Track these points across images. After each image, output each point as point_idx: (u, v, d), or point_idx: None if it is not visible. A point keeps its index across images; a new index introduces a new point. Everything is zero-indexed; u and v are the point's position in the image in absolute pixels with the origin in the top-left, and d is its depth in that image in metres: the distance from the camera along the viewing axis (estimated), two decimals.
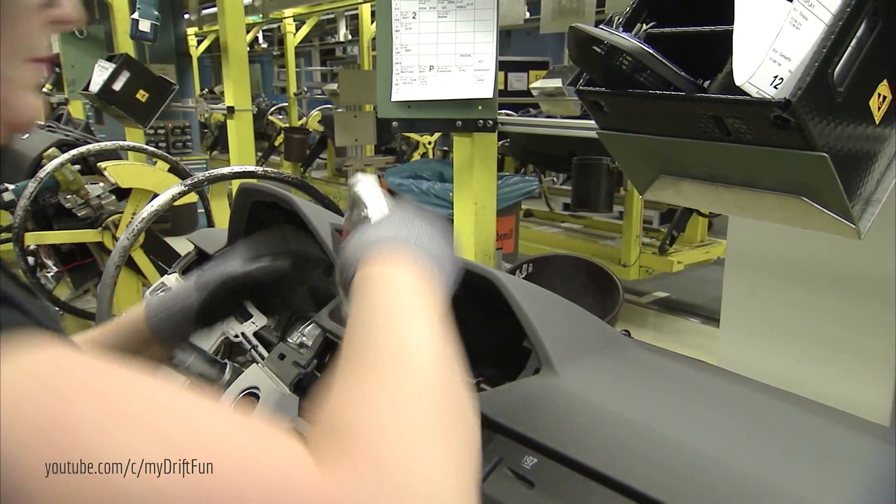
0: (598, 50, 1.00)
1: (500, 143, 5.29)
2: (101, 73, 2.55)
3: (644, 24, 1.02)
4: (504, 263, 2.76)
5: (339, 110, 5.51)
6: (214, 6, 6.67)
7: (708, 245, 4.82)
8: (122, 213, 2.32)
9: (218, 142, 10.00)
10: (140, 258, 2.23)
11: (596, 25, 3.34)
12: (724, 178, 1.03)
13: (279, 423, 0.41)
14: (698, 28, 0.97)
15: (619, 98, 1.04)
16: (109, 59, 2.64)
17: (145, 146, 2.49)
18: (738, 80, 0.83)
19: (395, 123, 1.65)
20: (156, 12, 2.33)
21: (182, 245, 2.61)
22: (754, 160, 0.93)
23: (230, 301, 0.88)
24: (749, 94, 0.84)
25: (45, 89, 4.90)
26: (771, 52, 0.83)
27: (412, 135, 6.89)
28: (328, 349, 1.01)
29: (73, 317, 2.57)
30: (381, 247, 0.55)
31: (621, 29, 1.00)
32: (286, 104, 8.49)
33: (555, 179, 6.48)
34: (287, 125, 8.26)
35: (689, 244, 4.75)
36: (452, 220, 4.22)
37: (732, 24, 0.87)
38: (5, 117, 0.52)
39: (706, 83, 0.99)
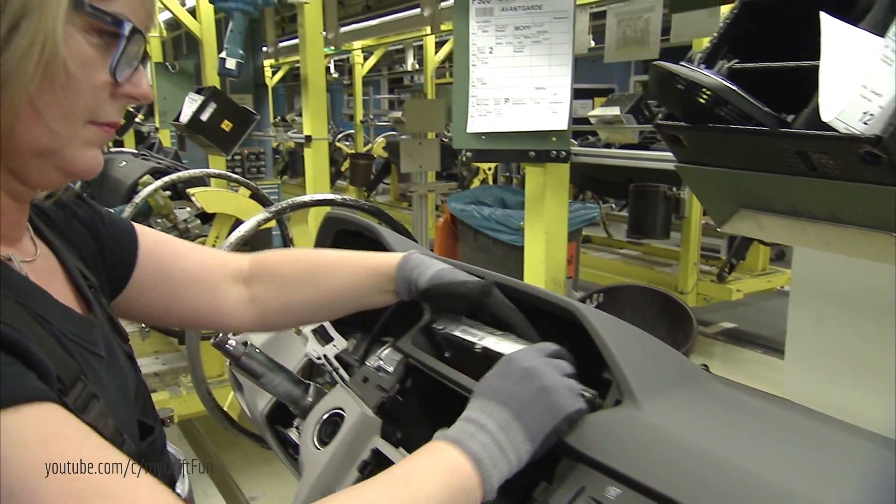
0: (679, 86, 1.00)
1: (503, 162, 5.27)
2: (190, 104, 2.69)
3: (727, 61, 1.02)
4: (573, 291, 2.74)
5: (404, 137, 5.61)
6: (290, 39, 6.94)
7: (770, 274, 4.70)
8: (206, 236, 2.42)
9: (288, 167, 10.33)
10: None
11: (661, 54, 3.36)
12: (809, 212, 1.01)
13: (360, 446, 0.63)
14: (781, 64, 0.96)
15: (700, 132, 1.04)
16: (198, 92, 2.79)
17: (230, 174, 2.60)
18: (826, 116, 0.82)
19: (468, 154, 1.68)
20: (241, 51, 2.45)
21: None
22: (841, 195, 0.91)
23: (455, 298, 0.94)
24: (836, 130, 0.82)
25: (137, 119, 5.20)
26: (861, 88, 0.82)
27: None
28: (409, 374, 1.02)
29: (158, 333, 2.69)
30: (463, 426, 0.68)
31: (703, 66, 1.00)
32: (353, 131, 8.70)
33: (613, 206, 6.40)
34: (353, 151, 8.46)
35: (749, 272, 4.64)
36: (515, 245, 4.24)
37: (816, 59, 0.86)
38: (59, 166, 0.59)
39: (789, 117, 0.97)
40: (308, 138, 2.55)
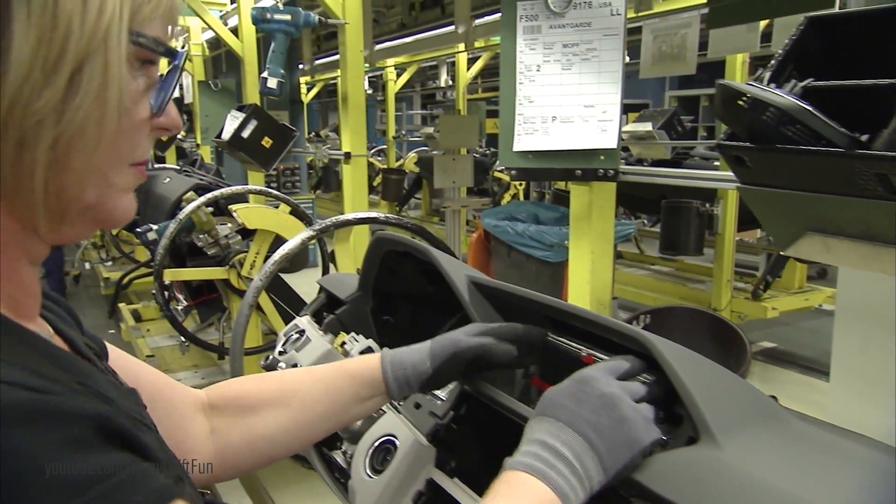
0: (742, 103, 0.96)
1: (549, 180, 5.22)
2: (232, 121, 2.71)
3: (797, 79, 0.97)
4: (618, 312, 2.68)
5: (436, 153, 5.61)
6: (325, 57, 7.01)
7: (807, 292, 4.55)
8: (246, 252, 2.42)
9: (321, 182, 10.42)
10: (261, 296, 2.32)
11: (697, 70, 3.23)
12: (885, 237, 0.95)
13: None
14: (860, 82, 0.91)
15: (766, 153, 0.99)
16: (240, 109, 2.81)
17: (271, 190, 2.60)
18: None
19: (513, 172, 1.64)
20: (282, 71, 2.46)
21: (292, 280, 2.69)
22: None
23: (458, 370, 0.87)
24: None
25: (179, 135, 5.28)
26: None
27: (503, 175, 6.91)
28: (463, 401, 0.99)
29: (197, 347, 2.69)
30: (539, 451, 0.64)
31: (774, 85, 0.95)
32: (385, 146, 8.74)
33: (645, 222, 6.32)
34: (385, 166, 8.48)
35: (786, 290, 4.51)
36: (549, 262, 4.18)
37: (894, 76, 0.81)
38: (100, 219, 0.51)
39: (864, 137, 0.92)
40: (347, 155, 2.54)
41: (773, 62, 1.05)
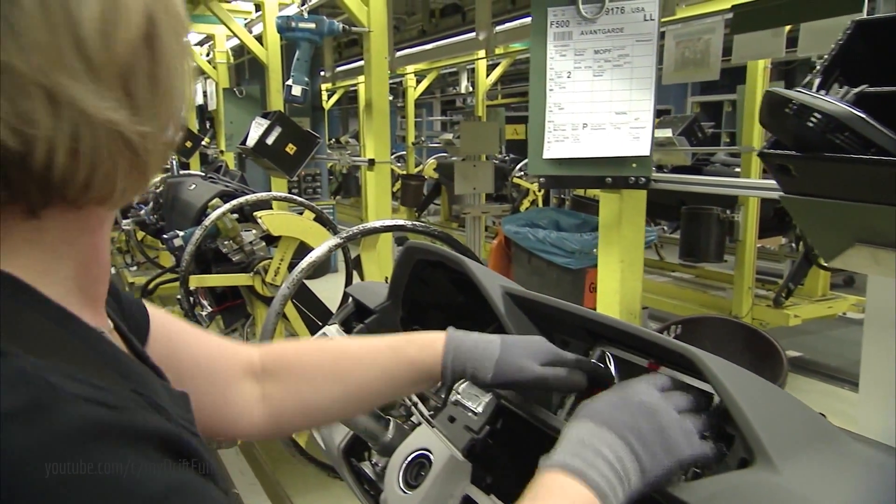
0: (789, 111, 0.92)
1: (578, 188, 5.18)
2: (257, 128, 2.71)
3: (847, 86, 0.93)
4: (648, 321, 2.63)
5: (457, 159, 5.59)
6: (346, 64, 7.03)
7: (831, 299, 4.47)
8: (271, 258, 2.42)
9: (341, 187, 10.45)
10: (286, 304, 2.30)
11: (721, 75, 3.16)
12: None
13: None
14: None
15: (813, 161, 0.95)
16: (264, 116, 2.81)
17: (295, 197, 2.60)
18: None
19: (541, 179, 1.61)
20: (306, 78, 2.45)
21: (314, 285, 2.67)
22: None
23: (516, 389, 0.88)
24: None
25: (203, 142, 5.32)
26: None
27: (522, 182, 6.87)
28: (500, 415, 0.95)
29: None
30: (578, 449, 0.61)
31: (823, 92, 0.91)
32: (404, 152, 8.74)
33: (665, 228, 6.24)
34: (404, 172, 8.48)
35: (808, 297, 4.43)
36: (570, 268, 4.13)
37: None
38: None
39: None
40: (371, 161, 2.53)
41: (818, 68, 1.01)
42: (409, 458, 0.97)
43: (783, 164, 1.00)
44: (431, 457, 0.94)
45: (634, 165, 1.51)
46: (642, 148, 1.47)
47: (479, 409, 1.00)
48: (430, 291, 1.31)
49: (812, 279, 4.44)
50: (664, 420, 0.65)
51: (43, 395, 0.35)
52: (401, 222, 1.63)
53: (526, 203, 6.89)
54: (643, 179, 1.52)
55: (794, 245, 5.38)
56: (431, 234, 1.69)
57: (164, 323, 0.68)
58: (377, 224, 1.61)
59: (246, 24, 4.18)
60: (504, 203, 6.73)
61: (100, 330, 0.47)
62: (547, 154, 1.55)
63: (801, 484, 0.65)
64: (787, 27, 4.24)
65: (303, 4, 3.43)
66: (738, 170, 4.81)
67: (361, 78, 8.22)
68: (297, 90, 2.36)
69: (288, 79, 2.48)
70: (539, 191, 6.89)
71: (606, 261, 1.68)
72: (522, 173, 6.83)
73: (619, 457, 0.61)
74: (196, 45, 5.55)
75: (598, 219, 5.25)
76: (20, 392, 0.34)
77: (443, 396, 1.22)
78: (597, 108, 1.49)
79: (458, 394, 1.19)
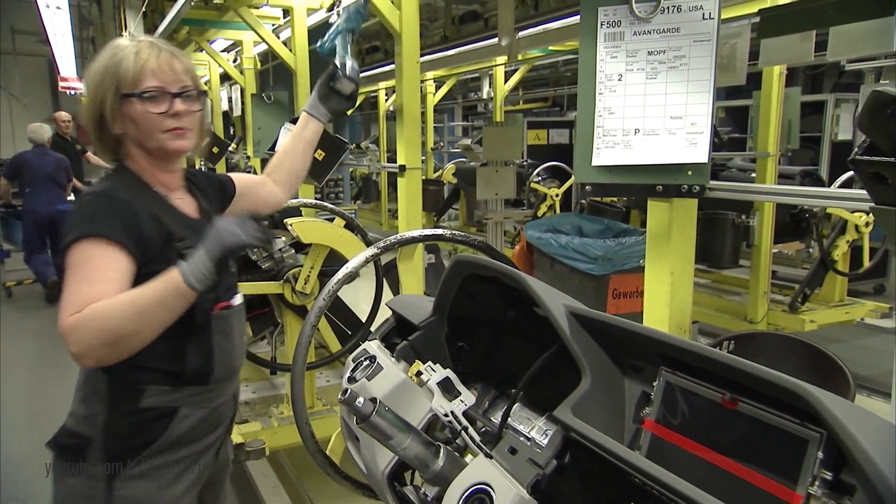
0: (891, 112, 0.81)
1: (627, 196, 5.10)
2: (285, 135, 2.62)
3: None
4: (699, 336, 2.51)
5: (478, 165, 5.48)
6: (369, 70, 6.95)
7: (848, 305, 4.37)
8: (300, 266, 2.33)
9: (361, 192, 10.38)
10: None
11: (747, 80, 2.97)
12: None
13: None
14: None
15: None
16: (293, 122, 2.71)
17: (326, 203, 2.51)
18: None
19: (588, 187, 1.50)
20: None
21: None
22: None
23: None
24: None
25: (230, 148, 5.26)
26: None
27: (540, 187, 6.76)
28: (567, 448, 0.85)
29: (248, 362, 2.60)
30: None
31: None
32: (423, 157, 8.64)
33: None
34: (423, 177, 8.38)
35: (825, 303, 4.35)
36: (593, 275, 4.01)
37: None
38: (156, 150, 1.32)
39: None
40: (402, 168, 2.43)
41: None
42: (468, 493, 0.87)
43: (879, 171, 0.89)
44: (493, 493, 0.84)
45: (690, 173, 1.40)
46: (699, 155, 1.37)
47: (545, 442, 0.90)
48: (477, 306, 1.22)
49: (829, 285, 4.36)
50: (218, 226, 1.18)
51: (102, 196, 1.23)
52: (440, 231, 1.53)
53: (543, 208, 6.77)
54: (697, 188, 1.41)
55: (810, 250, 5.27)
56: (471, 244, 1.59)
57: (240, 178, 1.56)
58: (416, 234, 1.52)
59: (274, 30, 4.11)
60: (520, 208, 6.62)
61: (163, 193, 1.32)
62: (596, 161, 1.44)
63: None
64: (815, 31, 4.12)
65: (331, 10, 3.34)
66: (753, 175, 4.69)
67: (382, 84, 8.17)
68: (349, 67, 2.10)
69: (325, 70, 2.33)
70: (556, 196, 6.77)
71: (655, 273, 1.57)
72: (540, 178, 6.71)
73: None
74: (223, 51, 5.50)
75: (623, 225, 5.12)
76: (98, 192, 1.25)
77: (493, 420, 1.12)
78: (650, 112, 1.38)
79: (512, 418, 1.09)
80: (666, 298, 1.54)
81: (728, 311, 4.36)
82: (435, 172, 8.47)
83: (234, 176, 1.55)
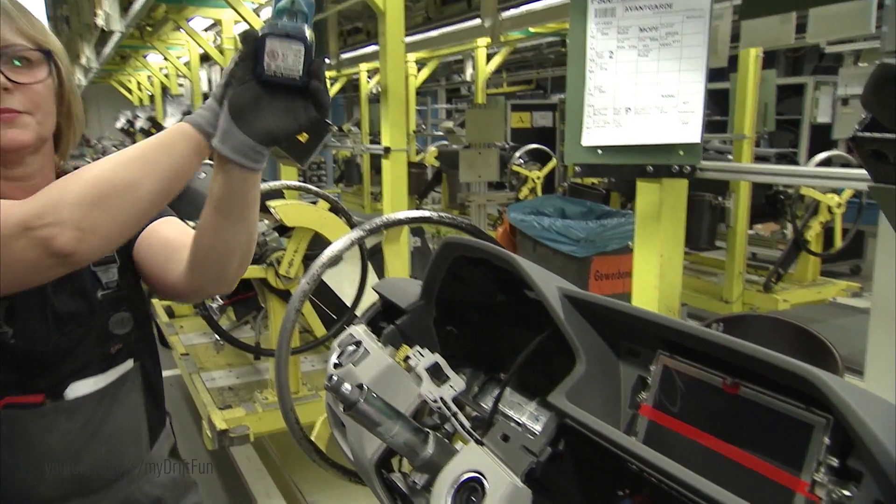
0: None
1: (607, 178, 5.10)
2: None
3: None
4: (687, 318, 2.50)
5: (461, 148, 5.43)
6: (351, 51, 6.83)
7: (821, 285, 4.49)
8: (284, 250, 2.27)
9: (343, 175, 10.27)
10: None
11: (729, 62, 2.95)
12: None
13: None
14: None
15: None
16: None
17: (310, 186, 2.45)
18: None
19: (577, 168, 1.47)
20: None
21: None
22: None
23: None
24: None
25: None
26: None
27: (521, 169, 6.73)
28: (561, 435, 0.82)
29: (232, 347, 2.55)
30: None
31: None
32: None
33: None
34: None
35: (798, 283, 4.47)
36: (575, 257, 3.99)
37: None
38: None
39: None
40: (387, 150, 2.37)
41: None
42: (460, 482, 0.83)
43: (880, 149, 0.86)
44: (485, 482, 0.81)
45: (682, 153, 1.37)
46: (692, 134, 1.33)
47: (538, 428, 0.87)
48: (466, 290, 1.18)
49: (802, 265, 4.46)
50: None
51: None
52: (427, 214, 1.49)
53: (525, 191, 6.74)
54: (689, 168, 1.38)
55: (785, 232, 5.32)
56: (458, 227, 1.55)
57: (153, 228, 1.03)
58: (401, 216, 1.47)
59: (255, 10, 4.00)
60: (503, 191, 6.59)
61: None
62: (586, 141, 1.40)
63: None
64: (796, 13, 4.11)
65: None
66: (730, 157, 4.71)
67: (364, 65, 8.04)
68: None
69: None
70: (538, 179, 6.75)
71: (644, 255, 1.54)
72: (522, 161, 6.68)
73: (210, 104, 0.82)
74: (204, 30, 5.35)
75: (605, 207, 5.08)
76: None
77: (483, 405, 1.09)
78: (641, 90, 1.34)
79: (503, 404, 1.06)
80: (655, 281, 1.51)
81: (704, 292, 4.43)
82: (417, 155, 8.39)
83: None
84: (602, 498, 0.84)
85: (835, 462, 0.63)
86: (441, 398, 1.04)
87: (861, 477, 0.61)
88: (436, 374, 1.07)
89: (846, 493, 0.62)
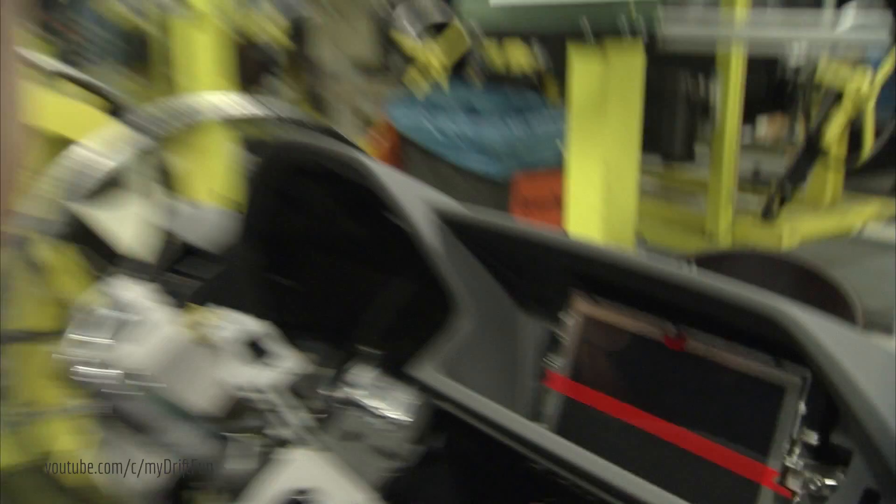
0: None
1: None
2: None
3: None
4: (644, 254, 2.56)
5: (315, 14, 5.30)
6: None
7: (844, 209, 4.52)
8: None
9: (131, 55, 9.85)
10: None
11: None
12: None
13: None
14: None
15: None
16: None
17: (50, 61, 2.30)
18: None
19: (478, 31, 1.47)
20: None
21: None
22: None
23: None
24: None
25: None
26: None
27: (410, 41, 6.59)
28: (438, 428, 0.84)
29: None
30: None
31: None
32: None
33: None
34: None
35: (812, 207, 4.48)
36: (493, 180, 4.03)
37: None
38: None
39: None
40: (194, 12, 2.30)
41: None
42: None
43: None
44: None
45: (634, 13, 1.39)
46: None
47: (399, 419, 0.89)
48: (304, 220, 1.18)
49: (818, 182, 4.45)
50: None
51: None
52: (253, 107, 1.45)
53: (418, 78, 6.57)
54: (643, 29, 1.41)
55: (793, 130, 5.25)
56: (308, 128, 1.54)
57: None
58: (212, 107, 1.43)
59: None
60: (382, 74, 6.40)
61: None
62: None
63: None
64: None
65: None
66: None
67: None
68: None
69: None
70: (439, 61, 6.67)
71: (581, 164, 1.57)
72: (409, 28, 6.45)
73: None
74: None
75: (531, 96, 5.07)
76: None
77: (334, 395, 1.10)
78: None
79: (354, 386, 1.08)
80: (596, 202, 1.55)
81: (679, 223, 4.44)
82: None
83: None
84: None
85: (813, 438, 0.67)
86: (262, 386, 1.05)
87: (848, 458, 0.65)
88: (255, 350, 1.09)
89: (829, 481, 0.67)
